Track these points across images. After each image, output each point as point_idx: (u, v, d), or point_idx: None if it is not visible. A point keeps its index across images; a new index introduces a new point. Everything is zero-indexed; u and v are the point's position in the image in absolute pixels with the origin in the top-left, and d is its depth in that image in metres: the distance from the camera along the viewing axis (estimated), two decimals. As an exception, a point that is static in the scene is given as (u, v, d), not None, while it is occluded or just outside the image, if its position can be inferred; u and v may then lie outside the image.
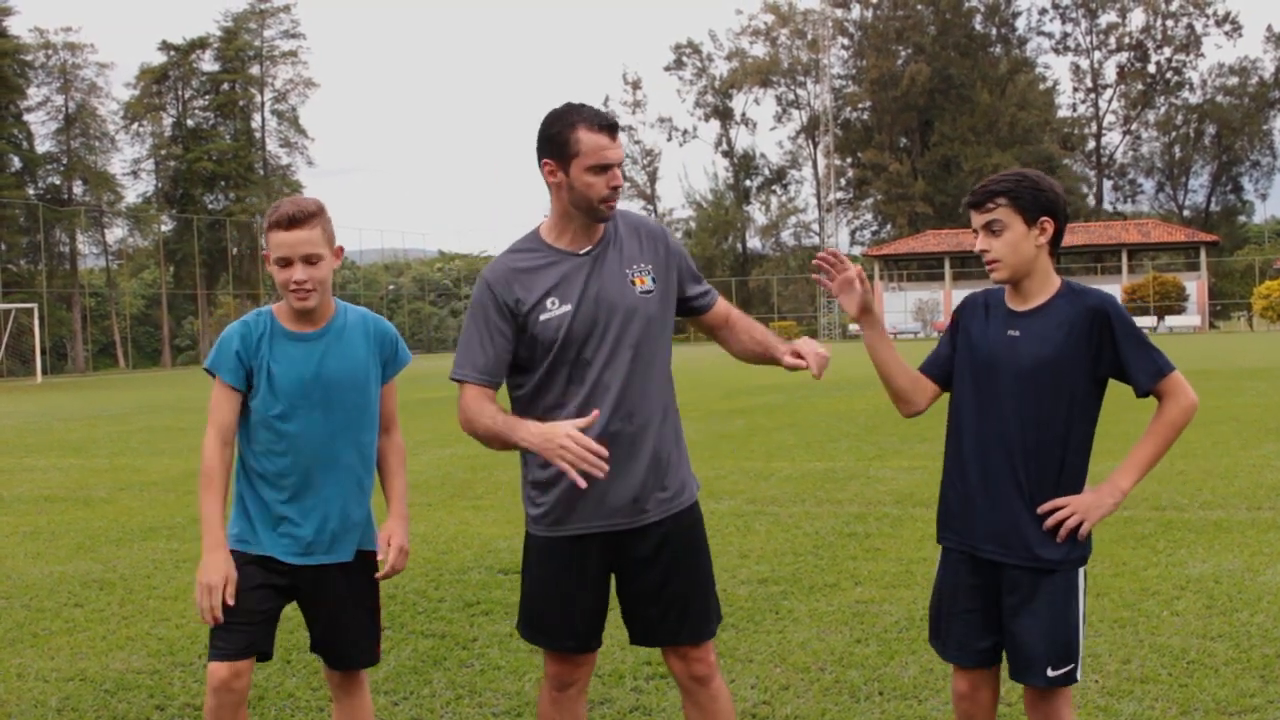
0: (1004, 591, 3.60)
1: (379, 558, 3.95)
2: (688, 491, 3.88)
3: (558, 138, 3.64)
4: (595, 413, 3.55)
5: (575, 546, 3.77)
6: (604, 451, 3.43)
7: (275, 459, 3.81)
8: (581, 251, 3.74)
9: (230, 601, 3.67)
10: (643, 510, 3.74)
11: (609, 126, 3.65)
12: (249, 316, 3.88)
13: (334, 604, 3.89)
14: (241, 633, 3.71)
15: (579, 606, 3.80)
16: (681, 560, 3.81)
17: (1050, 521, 3.52)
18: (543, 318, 3.68)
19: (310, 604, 3.91)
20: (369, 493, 3.95)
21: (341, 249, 3.87)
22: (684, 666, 3.86)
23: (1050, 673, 3.54)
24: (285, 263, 3.71)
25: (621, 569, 3.82)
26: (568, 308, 3.68)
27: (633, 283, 3.74)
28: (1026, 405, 3.52)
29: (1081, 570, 3.60)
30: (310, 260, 3.71)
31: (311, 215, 3.72)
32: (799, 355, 3.76)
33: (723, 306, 4.02)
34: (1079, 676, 3.62)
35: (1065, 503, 3.53)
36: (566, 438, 3.43)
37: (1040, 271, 3.59)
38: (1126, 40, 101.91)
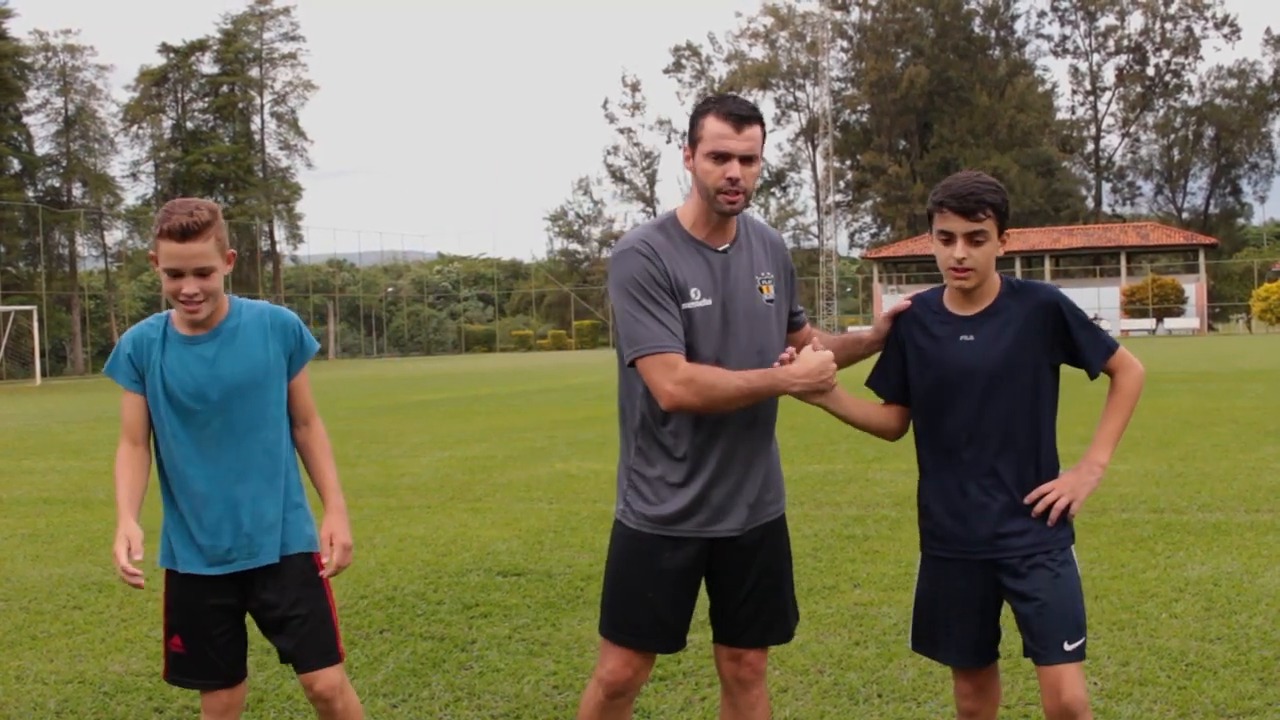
0: (1005, 583, 3.64)
1: (324, 559, 3.87)
2: (782, 501, 3.90)
3: (692, 123, 3.66)
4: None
5: (682, 545, 3.71)
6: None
7: (182, 466, 3.74)
8: (720, 248, 3.70)
9: (135, 568, 3.57)
10: (754, 516, 3.75)
11: (736, 116, 3.57)
12: (146, 321, 3.82)
13: (280, 610, 3.79)
14: (207, 663, 3.78)
15: (676, 606, 3.75)
16: (773, 563, 3.84)
17: (1040, 507, 3.60)
18: (687, 306, 3.62)
19: (259, 615, 3.84)
20: (286, 491, 3.82)
21: (233, 254, 3.75)
22: (734, 668, 3.88)
23: (1067, 646, 3.59)
24: (175, 274, 3.59)
25: (718, 571, 3.80)
26: (709, 302, 3.63)
27: (760, 289, 3.72)
28: (993, 404, 3.60)
29: (1072, 548, 3.68)
30: (202, 273, 3.60)
31: (205, 225, 3.57)
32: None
33: (807, 331, 3.98)
34: (1084, 653, 3.68)
35: (1051, 487, 3.62)
36: (829, 364, 3.53)
37: (991, 275, 3.67)
38: (1125, 43, 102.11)
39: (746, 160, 3.58)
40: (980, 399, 3.60)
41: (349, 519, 3.94)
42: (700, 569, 3.78)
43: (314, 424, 3.97)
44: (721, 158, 3.56)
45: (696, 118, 3.64)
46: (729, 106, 3.59)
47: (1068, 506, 3.61)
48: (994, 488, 3.61)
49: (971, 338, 3.63)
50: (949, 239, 3.59)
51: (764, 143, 3.68)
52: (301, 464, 3.95)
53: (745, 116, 3.57)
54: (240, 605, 3.82)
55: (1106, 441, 3.68)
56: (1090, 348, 3.63)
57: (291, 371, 3.86)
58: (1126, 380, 3.68)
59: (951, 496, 3.68)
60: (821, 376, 3.51)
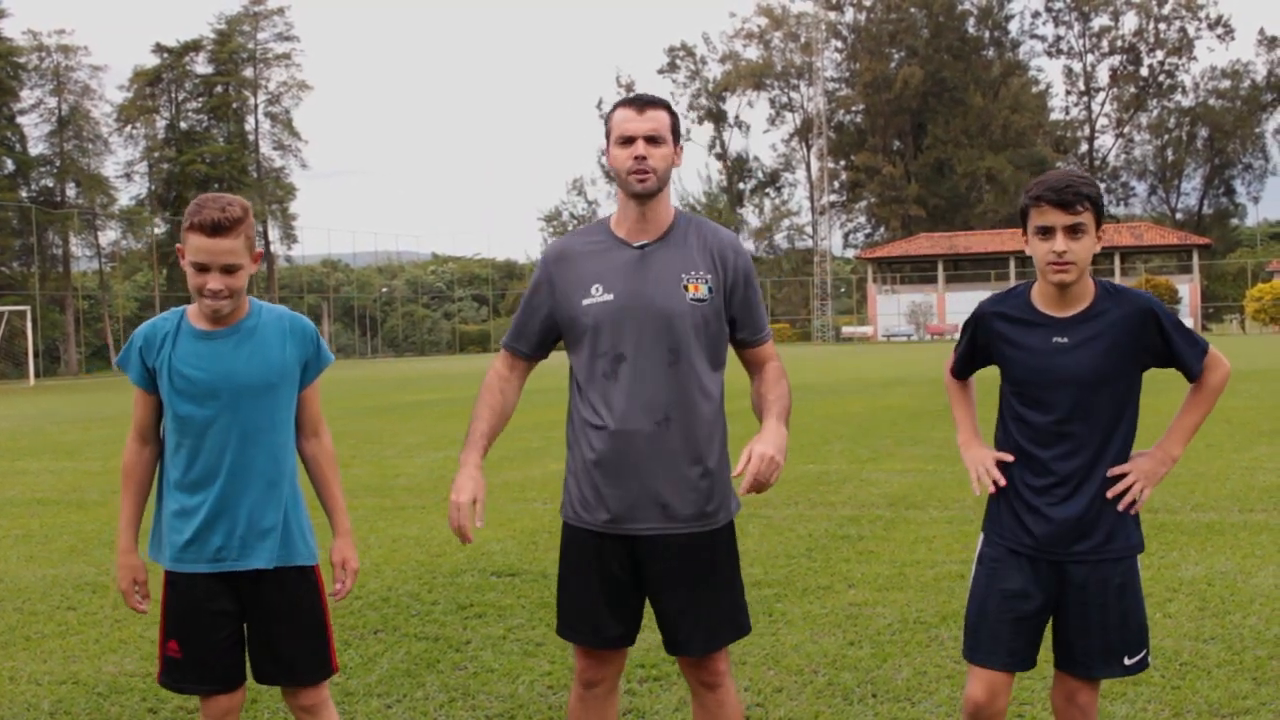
0: (1071, 589, 3.62)
1: (335, 584, 3.87)
2: (724, 508, 3.82)
3: (605, 125, 3.76)
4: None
5: (601, 543, 3.76)
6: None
7: (183, 462, 3.72)
8: (636, 244, 3.75)
9: (142, 606, 3.87)
10: (670, 518, 3.71)
11: (639, 102, 3.71)
12: (162, 314, 3.79)
13: (270, 616, 3.78)
14: (203, 668, 3.77)
15: (603, 602, 3.79)
16: (707, 572, 3.78)
17: (1116, 488, 3.59)
18: (585, 303, 3.72)
19: (252, 624, 3.82)
20: (287, 499, 3.79)
21: (260, 254, 3.74)
22: (696, 673, 3.86)
23: (1127, 661, 3.62)
24: (202, 269, 3.57)
25: (648, 575, 3.78)
26: (610, 297, 3.69)
27: (685, 287, 3.70)
28: (1084, 407, 3.57)
29: (1139, 558, 3.68)
30: (229, 270, 3.59)
31: (236, 222, 3.56)
32: (748, 459, 3.53)
33: (762, 355, 3.90)
34: (1150, 660, 3.70)
35: (1129, 469, 3.62)
36: (453, 504, 3.80)
37: (1087, 277, 3.63)
38: (1119, 43, 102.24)
39: (652, 141, 3.67)
40: (1069, 403, 3.58)
41: (348, 520, 3.95)
42: (622, 566, 3.77)
43: (322, 437, 3.94)
44: (627, 141, 3.68)
45: (607, 117, 3.76)
46: (632, 96, 3.75)
47: (1139, 493, 3.61)
48: (1077, 490, 3.60)
49: (1065, 340, 3.59)
50: (1047, 233, 3.54)
51: (675, 130, 3.76)
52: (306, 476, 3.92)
53: (647, 102, 3.73)
54: (237, 610, 3.79)
55: (1183, 435, 3.70)
56: (1188, 351, 3.62)
57: (305, 380, 3.83)
58: (1213, 377, 3.67)
59: (1031, 494, 3.65)
60: (451, 520, 3.80)
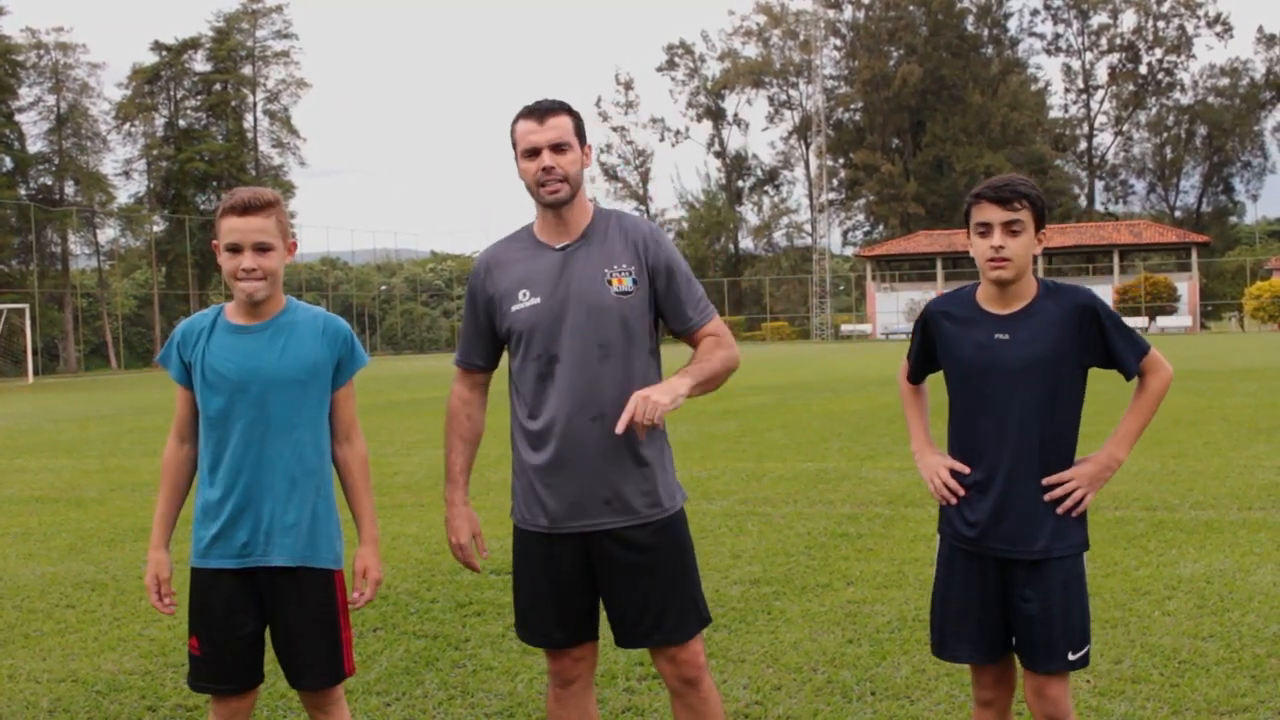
0: (1016, 585, 3.67)
1: (354, 593, 3.84)
2: (669, 499, 3.82)
3: (510, 136, 3.79)
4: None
5: (550, 543, 3.79)
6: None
7: (211, 456, 3.74)
8: (558, 246, 3.78)
9: (165, 602, 3.82)
10: (617, 512, 3.72)
11: (538, 111, 3.72)
12: (201, 312, 3.83)
13: (287, 617, 3.78)
14: (222, 667, 3.76)
15: (557, 602, 3.81)
16: (659, 564, 3.77)
17: (1058, 493, 3.63)
18: (514, 308, 3.77)
19: (273, 624, 3.82)
20: (314, 498, 3.78)
21: (295, 245, 3.78)
22: (672, 669, 3.84)
23: (1070, 656, 3.65)
24: (235, 249, 3.62)
25: (599, 570, 3.79)
26: (537, 300, 3.73)
27: (609, 282, 3.73)
28: (1024, 404, 3.62)
29: (1085, 555, 3.72)
30: (261, 248, 3.63)
31: (268, 204, 3.65)
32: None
33: (699, 337, 3.87)
34: (1089, 660, 3.74)
35: (1070, 476, 3.65)
36: (455, 546, 4.02)
37: (1028, 276, 3.69)
38: (1118, 41, 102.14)
39: (557, 149, 3.69)
40: (1010, 397, 3.62)
41: (378, 552, 3.94)
42: (573, 564, 3.78)
43: (355, 441, 3.92)
44: (532, 153, 3.70)
45: (510, 130, 3.78)
46: (531, 106, 3.76)
47: (1081, 499, 3.64)
48: (1019, 486, 3.64)
49: (1006, 336, 3.64)
50: (986, 230, 3.61)
51: (580, 132, 3.77)
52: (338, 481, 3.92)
53: (547, 109, 3.74)
54: (259, 611, 3.77)
55: (1126, 439, 3.72)
56: (1126, 350, 3.65)
57: (338, 381, 3.83)
58: (1155, 381, 3.71)
59: (975, 491, 3.71)
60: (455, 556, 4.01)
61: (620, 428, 3.50)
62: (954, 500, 3.75)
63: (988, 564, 3.70)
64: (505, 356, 3.99)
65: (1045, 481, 3.64)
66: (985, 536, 3.68)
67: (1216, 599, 6.73)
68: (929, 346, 3.89)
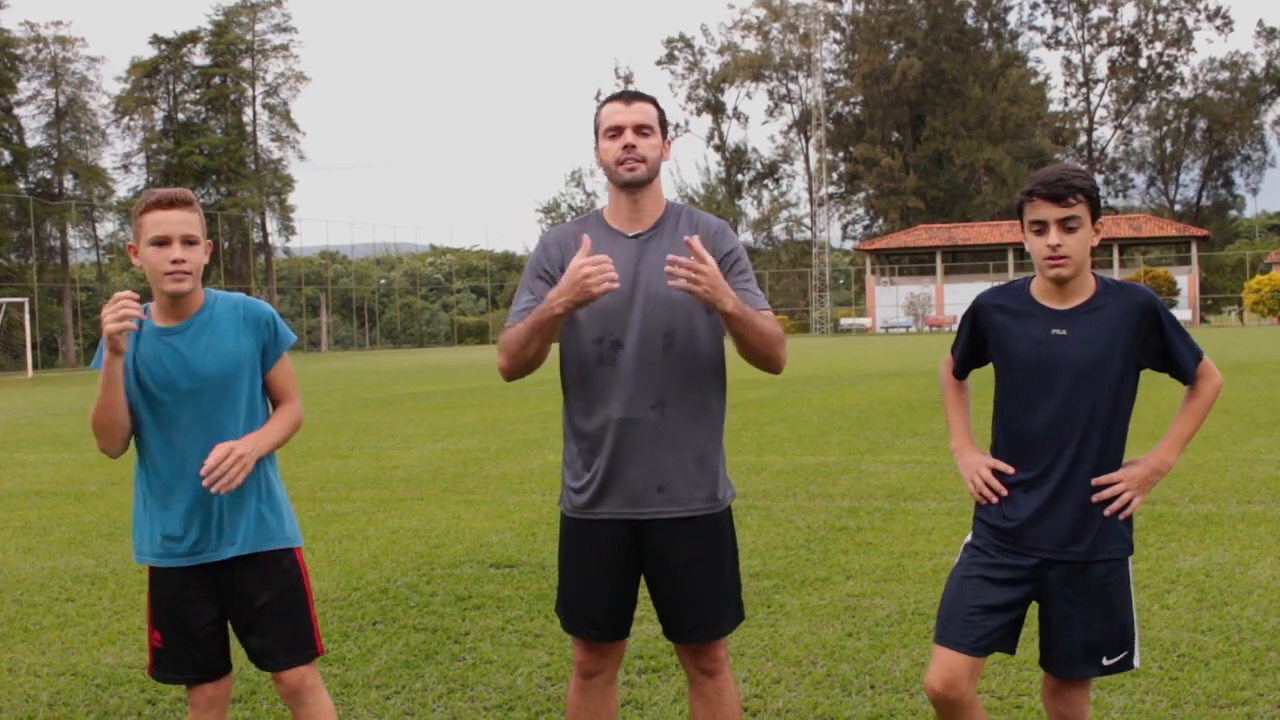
0: (1051, 586, 3.62)
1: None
2: (721, 493, 3.84)
3: (594, 122, 3.82)
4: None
5: (600, 530, 3.79)
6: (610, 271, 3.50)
7: (155, 457, 3.75)
8: (631, 234, 3.80)
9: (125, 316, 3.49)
10: (669, 502, 3.74)
11: (626, 95, 3.80)
12: None
13: (250, 601, 3.79)
14: (186, 658, 3.79)
15: (601, 592, 3.82)
16: (705, 558, 3.80)
17: (1103, 495, 3.58)
18: None
19: (234, 610, 3.83)
20: (262, 485, 3.80)
21: (211, 245, 3.77)
22: (694, 660, 3.88)
23: (1106, 661, 3.61)
24: (163, 241, 3.60)
25: (647, 561, 3.82)
26: None
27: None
28: (1081, 402, 3.56)
29: (1130, 559, 3.67)
30: (189, 241, 3.63)
31: (190, 201, 3.66)
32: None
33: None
34: (1136, 662, 3.69)
35: (1119, 478, 3.60)
36: (586, 266, 3.49)
37: (1087, 271, 3.62)
38: (1118, 35, 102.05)
39: (641, 131, 3.74)
40: (1066, 394, 3.56)
41: (260, 444, 3.74)
42: (620, 554, 3.80)
43: (292, 400, 3.92)
44: (616, 131, 3.74)
45: (596, 115, 3.83)
46: (619, 92, 3.83)
47: (1129, 502, 3.60)
48: (1070, 486, 3.59)
49: (1064, 332, 3.57)
50: (1041, 228, 3.54)
51: (663, 123, 3.82)
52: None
53: (634, 95, 3.82)
54: (218, 599, 3.81)
55: (1178, 444, 3.69)
56: (1185, 353, 3.62)
57: (266, 365, 3.84)
58: (1206, 388, 3.68)
59: (1022, 489, 3.64)
60: (574, 291, 3.51)
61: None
62: (995, 500, 3.67)
63: (1022, 561, 3.62)
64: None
65: (1095, 482, 3.58)
66: (1026, 534, 3.61)
67: (1216, 593, 6.73)
68: (978, 341, 3.81)
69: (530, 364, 3.75)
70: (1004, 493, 3.66)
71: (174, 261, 3.61)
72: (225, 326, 3.76)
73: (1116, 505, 3.58)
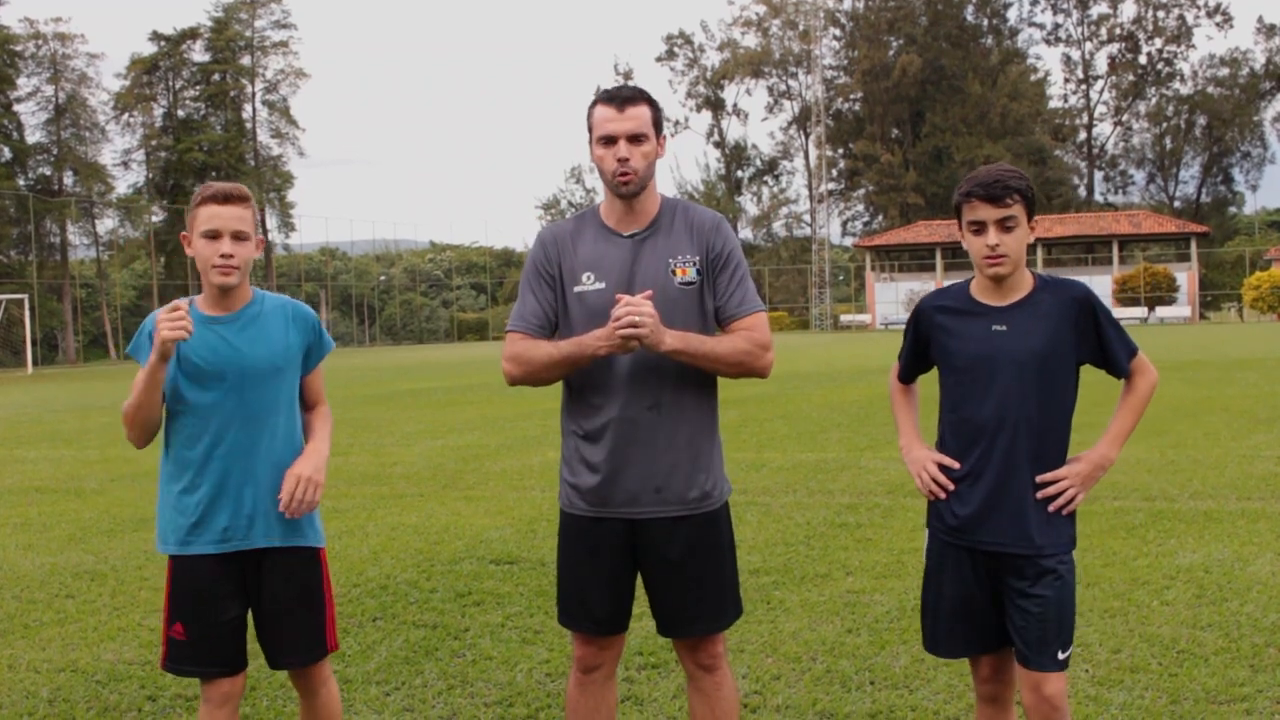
0: (1007, 580, 3.66)
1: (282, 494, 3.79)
2: (717, 490, 3.86)
3: (587, 119, 3.76)
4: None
5: (598, 528, 3.81)
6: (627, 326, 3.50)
7: (187, 445, 3.80)
8: (627, 234, 3.78)
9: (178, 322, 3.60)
10: (666, 501, 3.75)
11: (619, 99, 3.69)
12: (168, 304, 3.84)
13: (272, 595, 3.85)
14: (208, 651, 3.80)
15: (601, 587, 3.84)
16: (702, 554, 3.81)
17: (1050, 490, 3.63)
18: (577, 290, 3.77)
19: (257, 604, 3.89)
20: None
21: (263, 241, 3.88)
22: (691, 655, 3.90)
23: (1060, 655, 3.64)
24: (214, 235, 3.70)
25: (644, 558, 3.83)
26: (602, 285, 3.73)
27: (673, 272, 3.74)
28: (1021, 396, 3.61)
29: (1072, 554, 3.71)
30: (239, 236, 3.73)
31: (245, 197, 3.77)
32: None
33: (734, 328, 3.81)
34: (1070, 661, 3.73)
35: (1063, 474, 3.65)
36: (629, 312, 3.49)
37: (1024, 268, 3.70)
38: (1118, 31, 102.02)
39: (634, 140, 3.68)
40: (1006, 390, 3.62)
41: (320, 462, 3.87)
42: (617, 552, 3.81)
43: (322, 405, 4.06)
44: (609, 141, 3.68)
45: (588, 112, 3.75)
46: (612, 92, 3.72)
47: (1073, 497, 3.65)
48: (1012, 482, 3.64)
49: (1004, 328, 3.64)
50: (980, 228, 3.61)
51: (657, 123, 3.75)
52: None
53: (627, 98, 3.70)
54: (242, 592, 3.85)
55: (1117, 439, 3.73)
56: (1119, 347, 3.67)
57: (308, 366, 3.95)
58: (1142, 383, 3.74)
59: (966, 485, 3.70)
60: (616, 337, 3.53)
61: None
62: (943, 495, 3.74)
63: (978, 558, 3.70)
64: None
65: (1038, 479, 3.64)
66: (974, 529, 3.68)
67: (1215, 589, 6.73)
68: (922, 344, 3.88)
69: (545, 384, 3.80)
70: (950, 487, 3.73)
71: (223, 256, 3.71)
72: (273, 322, 3.86)
73: (1060, 501, 3.64)
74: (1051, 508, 3.63)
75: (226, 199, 3.72)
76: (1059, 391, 3.64)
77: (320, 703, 4.00)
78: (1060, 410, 3.66)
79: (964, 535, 3.70)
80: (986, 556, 3.68)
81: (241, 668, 3.88)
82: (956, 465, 3.71)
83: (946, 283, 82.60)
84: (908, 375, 4.01)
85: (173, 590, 3.84)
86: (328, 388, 4.12)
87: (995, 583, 3.71)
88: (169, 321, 3.57)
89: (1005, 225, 3.58)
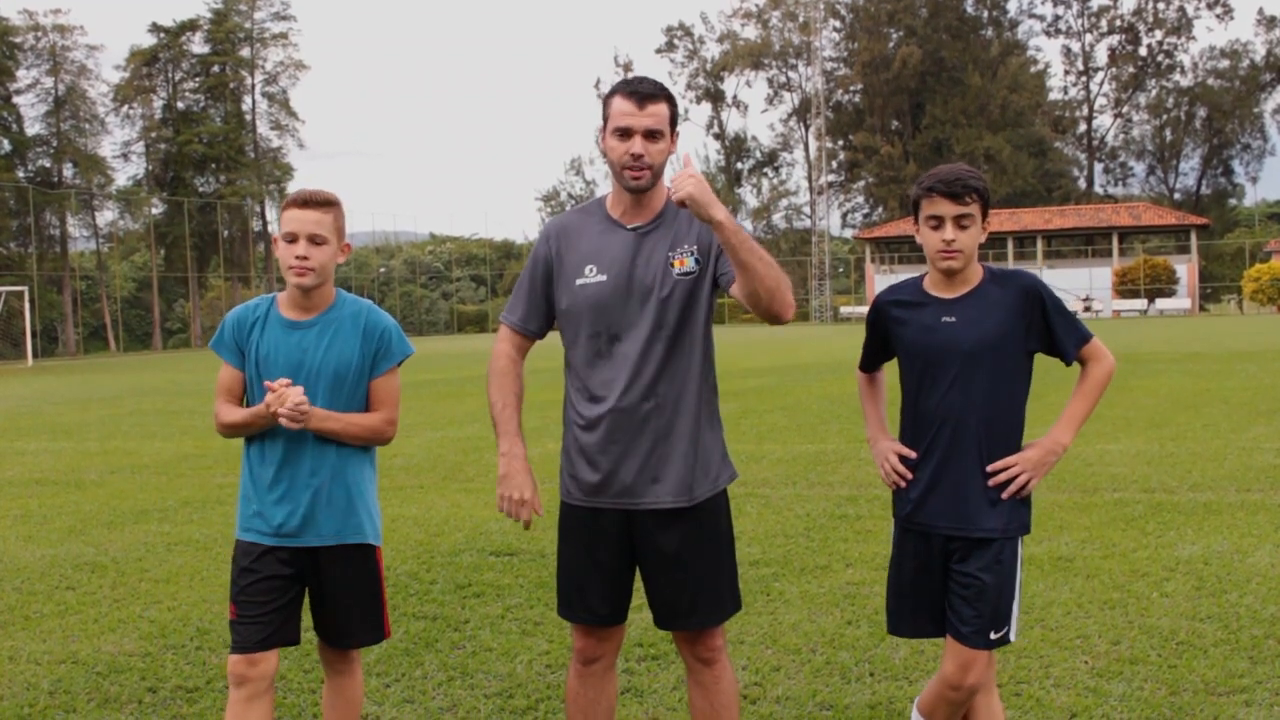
0: (954, 560, 3.78)
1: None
2: (718, 478, 3.87)
3: (603, 106, 3.76)
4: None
5: (597, 519, 3.83)
6: (538, 514, 3.79)
7: (263, 443, 3.96)
8: (630, 226, 3.79)
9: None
10: (665, 492, 3.76)
11: (640, 94, 3.66)
12: (253, 300, 4.04)
13: (328, 588, 3.99)
14: (254, 626, 3.88)
15: (599, 578, 3.85)
16: (699, 546, 3.82)
17: (1002, 478, 3.73)
18: (579, 282, 3.78)
19: (311, 588, 4.03)
20: (353, 481, 4.01)
21: (349, 246, 3.99)
22: (690, 648, 3.90)
23: (992, 635, 3.73)
24: (291, 238, 3.83)
25: (641, 549, 3.84)
26: (603, 278, 3.74)
27: (673, 264, 3.74)
28: (972, 384, 3.73)
29: (1021, 540, 3.81)
30: (315, 240, 3.84)
31: (328, 202, 3.89)
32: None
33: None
34: (1013, 637, 3.81)
35: (1015, 461, 3.75)
36: (515, 502, 3.79)
37: (975, 263, 3.82)
38: (1118, 23, 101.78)
39: (650, 136, 3.66)
40: (959, 378, 3.73)
41: (331, 425, 3.92)
42: (616, 543, 3.83)
43: (382, 411, 4.06)
44: (625, 134, 3.66)
45: (605, 100, 3.74)
46: (633, 85, 3.70)
47: (1026, 483, 3.73)
48: (965, 466, 3.74)
49: (953, 319, 3.76)
50: (938, 224, 3.73)
51: (674, 120, 3.74)
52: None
53: (648, 94, 3.67)
54: (296, 578, 3.97)
55: (1071, 425, 3.82)
56: (1066, 335, 3.76)
57: (374, 372, 4.02)
58: (1097, 369, 3.83)
59: (923, 470, 3.81)
60: (502, 491, 3.84)
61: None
62: (903, 484, 3.86)
63: (933, 540, 3.80)
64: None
65: (990, 467, 3.72)
66: (921, 511, 3.80)
67: (1214, 580, 6.74)
68: (880, 339, 4.00)
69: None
70: (909, 476, 3.85)
71: (298, 257, 3.83)
72: (347, 330, 3.98)
73: (1013, 488, 3.73)
74: (1005, 495, 3.72)
75: (306, 203, 3.85)
76: (1008, 380, 3.75)
77: (347, 681, 4.15)
78: (1009, 398, 3.76)
79: (913, 520, 3.84)
80: (944, 540, 3.78)
81: (291, 642, 4.02)
82: (914, 455, 3.83)
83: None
84: (869, 364, 4.14)
85: (232, 572, 3.99)
86: None
87: (946, 563, 3.81)
88: (287, 413, 3.74)
89: (961, 222, 3.70)
